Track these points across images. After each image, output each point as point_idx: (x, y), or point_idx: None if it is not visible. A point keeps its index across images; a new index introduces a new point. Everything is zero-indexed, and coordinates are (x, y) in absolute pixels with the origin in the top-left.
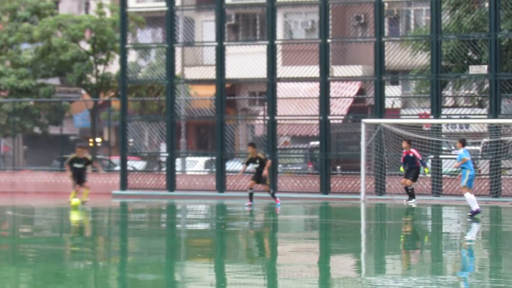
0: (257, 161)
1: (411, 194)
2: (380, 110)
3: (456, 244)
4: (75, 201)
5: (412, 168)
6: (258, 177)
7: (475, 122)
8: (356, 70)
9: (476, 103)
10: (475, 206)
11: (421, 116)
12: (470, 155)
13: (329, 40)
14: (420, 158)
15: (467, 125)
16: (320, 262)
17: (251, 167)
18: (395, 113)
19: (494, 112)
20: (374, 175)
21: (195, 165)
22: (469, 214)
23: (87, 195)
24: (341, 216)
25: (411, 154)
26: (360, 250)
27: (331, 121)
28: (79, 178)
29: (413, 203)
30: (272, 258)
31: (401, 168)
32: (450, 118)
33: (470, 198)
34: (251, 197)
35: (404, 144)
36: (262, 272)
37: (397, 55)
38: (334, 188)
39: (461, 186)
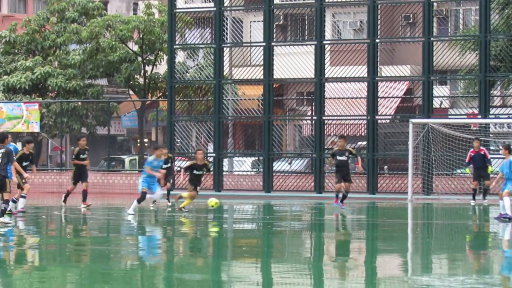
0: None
1: (485, 192)
2: (428, 110)
3: (502, 243)
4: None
5: (481, 168)
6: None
7: None
8: (404, 70)
9: None
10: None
11: (469, 116)
12: None
13: (377, 40)
14: (489, 157)
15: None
16: (366, 262)
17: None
18: (443, 113)
19: None
20: (421, 175)
21: (243, 165)
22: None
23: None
24: (388, 215)
25: (482, 152)
26: (407, 249)
27: (379, 121)
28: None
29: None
30: (319, 258)
31: (467, 169)
32: (498, 117)
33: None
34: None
35: (476, 143)
36: (309, 272)
37: (445, 55)
38: (381, 188)
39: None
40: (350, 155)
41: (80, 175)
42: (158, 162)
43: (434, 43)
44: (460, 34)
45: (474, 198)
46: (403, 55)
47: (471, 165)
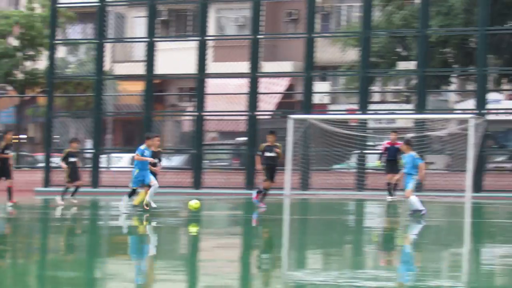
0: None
1: (394, 188)
2: (308, 106)
3: (383, 238)
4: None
5: (393, 161)
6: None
7: (401, 118)
8: (286, 66)
9: (403, 98)
10: (420, 206)
11: (348, 111)
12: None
13: (260, 36)
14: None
15: (393, 120)
16: (242, 258)
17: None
18: (323, 108)
19: (421, 107)
20: (300, 171)
21: (120, 161)
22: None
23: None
24: (265, 211)
25: (397, 146)
26: (281, 245)
27: (259, 117)
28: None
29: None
30: (194, 254)
31: (378, 162)
32: (377, 113)
33: (415, 201)
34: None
35: (393, 136)
36: (183, 268)
37: (327, 51)
38: (259, 184)
39: (405, 190)
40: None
41: (3, 171)
42: (149, 153)
43: (316, 39)
44: (342, 31)
45: (390, 194)
46: (286, 51)
47: (383, 157)
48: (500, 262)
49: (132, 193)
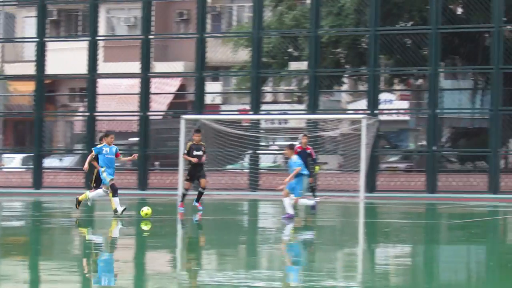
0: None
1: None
2: (200, 106)
3: (272, 238)
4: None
5: (304, 164)
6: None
7: (294, 118)
8: (178, 66)
9: (295, 99)
10: (291, 211)
11: (240, 112)
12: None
13: (150, 36)
14: (314, 157)
15: (285, 121)
16: (135, 258)
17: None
18: (215, 109)
19: (313, 107)
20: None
21: (12, 162)
22: (286, 216)
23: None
24: (158, 212)
25: (308, 151)
26: (176, 245)
27: (151, 117)
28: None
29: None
30: (89, 254)
31: (317, 168)
32: (269, 113)
33: (288, 202)
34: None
35: (305, 139)
36: (78, 269)
37: (219, 51)
38: (152, 184)
39: (286, 193)
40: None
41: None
42: (109, 149)
43: (208, 39)
44: (233, 31)
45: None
46: (177, 51)
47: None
48: (394, 262)
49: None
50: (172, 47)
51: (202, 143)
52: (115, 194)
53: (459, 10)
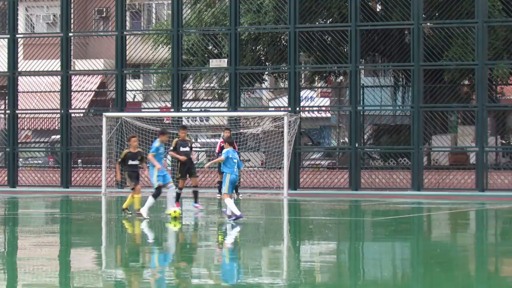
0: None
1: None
2: (121, 103)
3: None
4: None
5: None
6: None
7: (215, 115)
8: (98, 63)
9: (216, 96)
10: (237, 211)
11: (162, 109)
12: (234, 156)
13: (70, 34)
14: (237, 150)
15: (207, 118)
16: (60, 256)
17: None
18: (136, 106)
19: (234, 105)
20: (115, 168)
21: None
22: (233, 219)
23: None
24: (82, 209)
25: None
26: (100, 243)
27: (72, 115)
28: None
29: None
30: (12, 253)
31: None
32: (190, 111)
33: (231, 203)
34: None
35: (228, 134)
36: (1, 268)
37: (138, 49)
38: (75, 182)
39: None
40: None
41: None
42: (164, 148)
43: (127, 37)
44: (153, 29)
45: (220, 192)
46: (97, 49)
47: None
48: (318, 259)
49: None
50: (92, 45)
51: (188, 139)
52: (156, 196)
53: (379, 7)
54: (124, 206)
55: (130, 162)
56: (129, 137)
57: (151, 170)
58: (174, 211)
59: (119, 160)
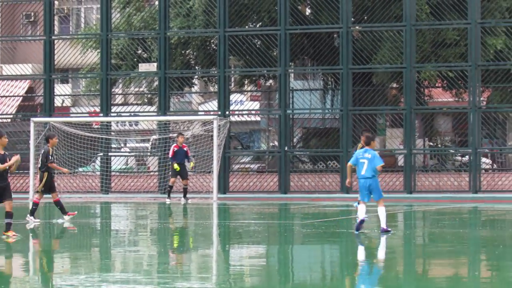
0: None
1: (169, 191)
2: (49, 108)
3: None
4: None
5: (182, 164)
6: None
7: (145, 120)
8: (26, 68)
9: (146, 100)
10: None
11: (90, 114)
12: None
13: None
14: (190, 154)
15: (136, 123)
16: None
17: None
18: (65, 111)
19: (163, 109)
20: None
21: None
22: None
23: None
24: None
25: (185, 149)
26: (28, 250)
27: (0, 120)
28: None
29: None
30: None
31: (175, 165)
32: (119, 115)
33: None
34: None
35: (181, 139)
36: None
37: (67, 53)
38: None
39: None
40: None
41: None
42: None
43: (56, 41)
44: (82, 33)
45: (169, 196)
46: (25, 53)
47: (173, 161)
48: (248, 263)
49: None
50: (20, 49)
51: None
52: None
53: (308, 11)
54: None
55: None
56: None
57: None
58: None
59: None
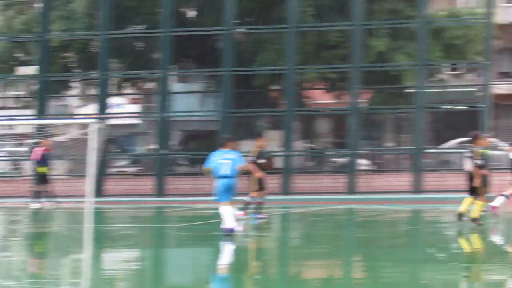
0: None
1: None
2: None
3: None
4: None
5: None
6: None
7: (22, 123)
8: None
9: (24, 104)
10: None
11: None
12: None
13: None
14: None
15: (13, 127)
16: None
17: None
18: None
19: (42, 112)
20: None
21: None
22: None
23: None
24: None
25: (52, 152)
26: None
27: None
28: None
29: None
30: None
31: (45, 169)
32: None
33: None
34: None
35: (48, 142)
36: None
37: None
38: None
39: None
40: None
41: None
42: None
43: None
44: None
45: (38, 201)
46: None
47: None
48: (121, 267)
49: None
50: None
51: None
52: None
53: (191, 13)
54: None
55: None
56: None
57: None
58: None
59: None
